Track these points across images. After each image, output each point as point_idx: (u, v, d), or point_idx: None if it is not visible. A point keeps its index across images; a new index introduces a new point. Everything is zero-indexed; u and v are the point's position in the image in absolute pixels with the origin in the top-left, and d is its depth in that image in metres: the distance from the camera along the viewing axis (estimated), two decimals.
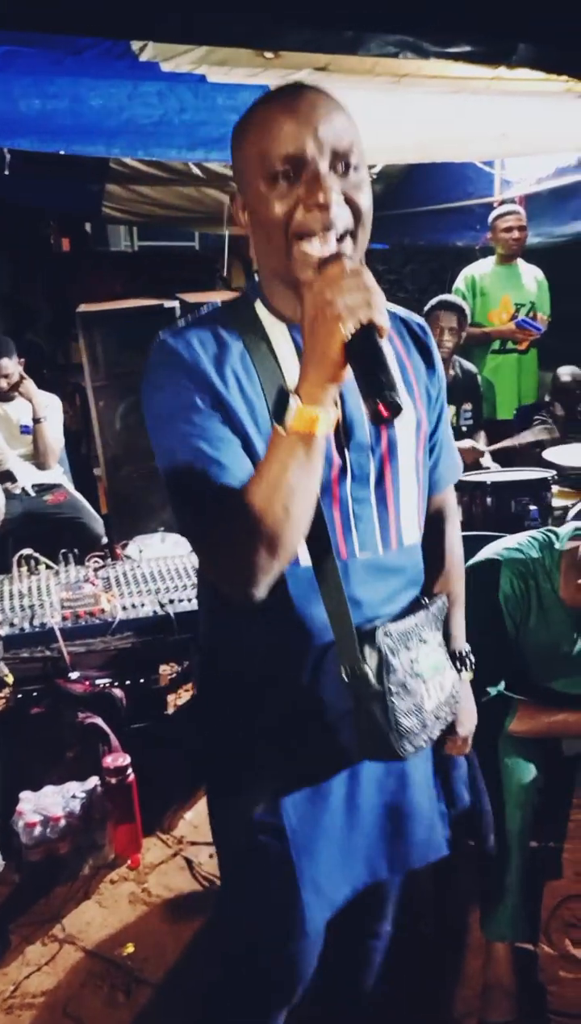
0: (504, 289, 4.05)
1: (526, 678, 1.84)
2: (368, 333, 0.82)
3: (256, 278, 1.09)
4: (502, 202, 4.14)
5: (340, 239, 0.93)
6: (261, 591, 0.92)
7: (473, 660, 1.31)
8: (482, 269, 4.09)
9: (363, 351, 0.83)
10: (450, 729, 1.25)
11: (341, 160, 0.93)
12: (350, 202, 0.94)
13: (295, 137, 0.91)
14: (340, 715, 1.05)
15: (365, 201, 0.96)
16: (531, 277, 4.08)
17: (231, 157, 1.01)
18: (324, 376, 0.84)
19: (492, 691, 1.73)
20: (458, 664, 1.28)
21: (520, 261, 4.06)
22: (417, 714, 1.05)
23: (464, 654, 1.31)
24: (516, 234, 3.96)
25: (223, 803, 1.21)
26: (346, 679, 1.03)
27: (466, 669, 1.30)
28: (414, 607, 1.12)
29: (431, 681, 1.08)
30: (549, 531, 1.89)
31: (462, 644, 1.32)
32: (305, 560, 1.02)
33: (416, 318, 1.20)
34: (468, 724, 1.33)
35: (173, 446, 0.97)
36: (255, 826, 1.12)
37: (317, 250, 0.92)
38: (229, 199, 1.04)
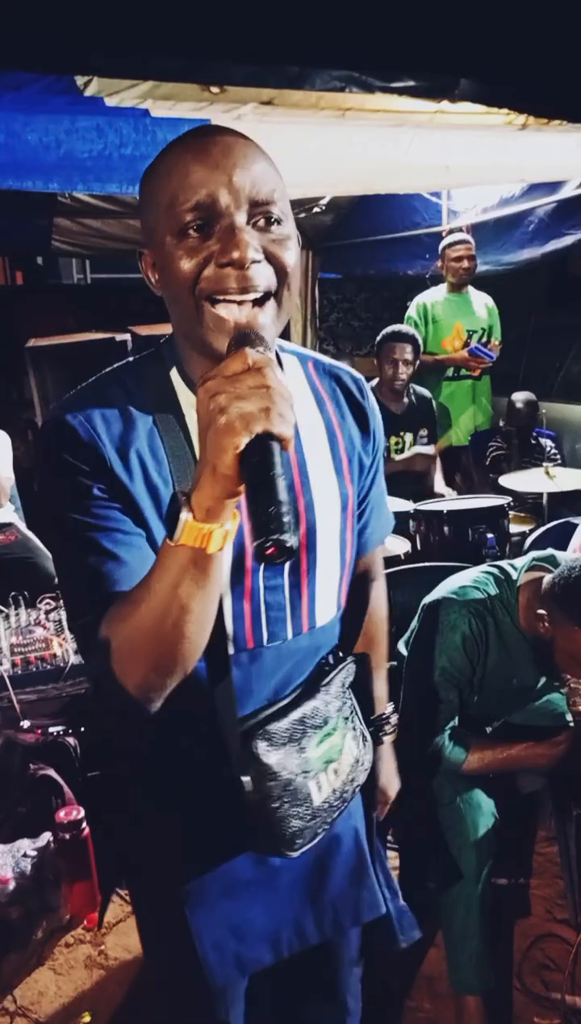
0: (456, 316, 4.10)
1: (483, 715, 1.81)
2: (265, 447, 0.69)
3: (172, 340, 0.97)
4: (451, 231, 4.20)
5: (260, 302, 0.83)
6: (155, 705, 0.85)
7: (394, 724, 1.28)
8: (433, 297, 4.14)
9: (256, 470, 0.69)
10: (370, 797, 1.24)
11: (261, 211, 0.83)
12: (271, 259, 0.83)
13: (206, 183, 0.81)
14: (229, 807, 0.99)
15: (290, 258, 0.85)
16: (481, 304, 4.14)
17: (140, 203, 0.90)
18: (218, 489, 0.71)
19: (443, 737, 1.70)
20: (378, 731, 1.25)
21: (471, 289, 4.13)
22: (305, 813, 1.00)
23: (385, 717, 1.27)
24: (466, 263, 4.02)
25: (134, 860, 1.19)
26: (228, 782, 0.97)
27: (386, 734, 1.27)
28: (310, 688, 1.05)
29: (322, 772, 1.03)
30: (497, 566, 1.87)
31: (383, 707, 1.28)
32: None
33: (353, 374, 1.10)
34: (390, 791, 1.30)
35: (65, 536, 0.88)
36: (157, 888, 1.11)
37: (233, 314, 0.82)
38: (137, 256, 0.92)
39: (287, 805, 0.98)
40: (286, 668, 1.02)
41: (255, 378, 0.70)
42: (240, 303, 0.83)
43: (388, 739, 1.28)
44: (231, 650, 0.96)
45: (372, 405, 1.10)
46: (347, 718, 1.09)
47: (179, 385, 0.94)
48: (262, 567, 0.94)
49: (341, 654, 1.13)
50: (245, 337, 0.77)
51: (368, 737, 1.14)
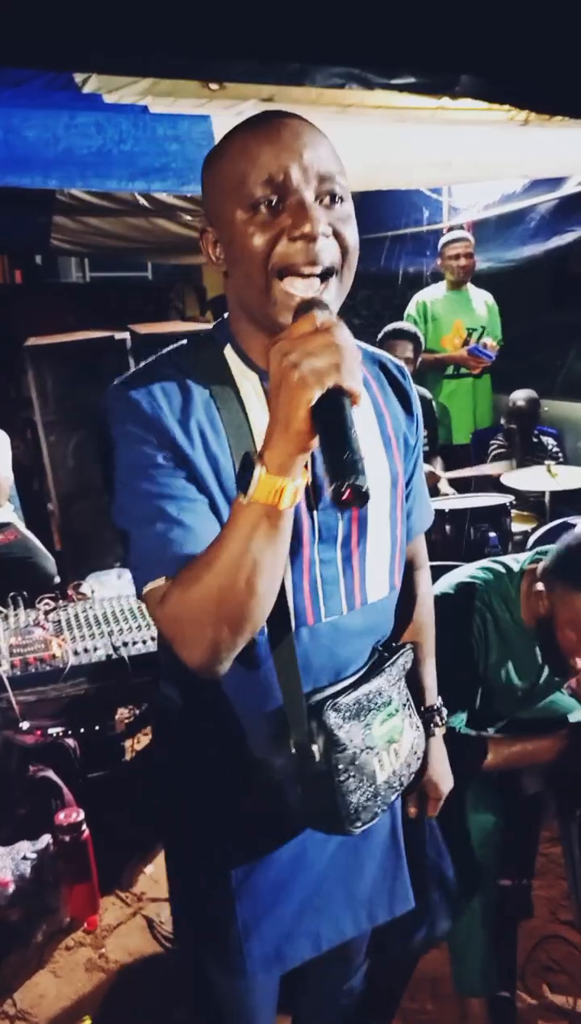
0: (455, 314, 4.08)
1: (485, 715, 1.79)
2: (337, 401, 0.73)
3: (226, 317, 1.00)
4: (451, 228, 4.19)
5: (324, 277, 0.86)
6: (224, 667, 0.87)
7: (445, 715, 1.26)
8: (433, 295, 4.12)
9: (330, 422, 0.73)
10: (421, 792, 1.23)
11: (327, 189, 0.86)
12: (337, 236, 0.87)
13: (279, 161, 0.84)
14: (291, 782, 1.01)
15: (352, 236, 0.88)
16: (481, 302, 4.12)
17: (201, 188, 0.94)
18: (290, 445, 0.75)
19: (455, 722, 1.68)
20: (429, 721, 1.23)
21: (470, 286, 4.10)
22: (367, 789, 1.01)
23: (435, 709, 1.25)
24: (463, 260, 3.99)
25: (178, 851, 1.19)
26: (294, 752, 0.98)
27: (437, 725, 1.25)
28: (375, 667, 1.07)
29: (385, 751, 1.04)
30: (499, 561, 1.85)
31: (433, 698, 1.26)
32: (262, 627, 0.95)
33: (395, 360, 1.14)
34: (443, 786, 1.27)
35: (133, 505, 0.90)
36: (204, 876, 1.11)
37: (301, 290, 0.85)
38: (198, 234, 0.95)
39: (353, 779, 0.99)
40: (345, 646, 1.04)
41: (324, 337, 0.74)
42: (306, 276, 0.85)
43: (439, 731, 1.26)
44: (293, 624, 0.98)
45: (413, 390, 1.12)
46: (405, 704, 1.10)
47: (234, 362, 0.97)
48: (317, 541, 0.98)
49: (395, 642, 1.14)
50: (311, 302, 0.81)
51: (421, 727, 1.15)
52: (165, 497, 0.88)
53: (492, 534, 2.56)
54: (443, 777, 1.27)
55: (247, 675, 0.96)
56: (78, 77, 2.02)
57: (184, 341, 1.00)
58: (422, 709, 1.22)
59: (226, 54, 2.16)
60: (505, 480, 3.11)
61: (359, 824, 1.01)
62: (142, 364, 0.97)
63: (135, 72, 2.08)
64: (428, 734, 1.22)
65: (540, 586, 1.67)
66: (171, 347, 1.00)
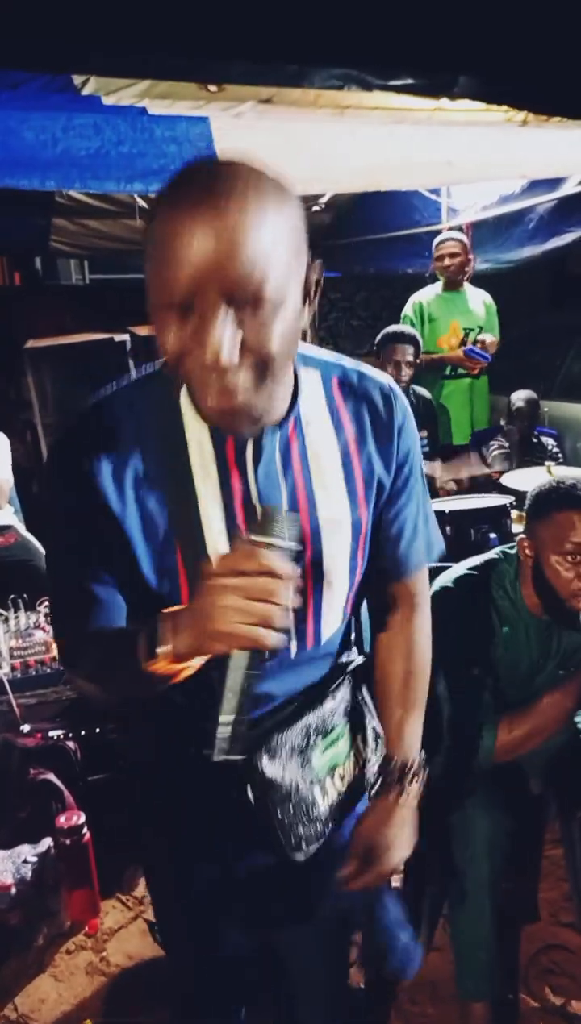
0: (452, 315, 4.07)
1: (495, 704, 1.78)
2: (250, 657, 0.76)
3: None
4: (450, 229, 4.18)
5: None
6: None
7: (421, 776, 1.10)
8: (429, 295, 4.11)
9: (229, 671, 0.76)
10: (363, 858, 1.07)
11: (247, 302, 0.74)
12: (252, 349, 0.76)
13: (185, 269, 0.73)
14: (231, 815, 1.01)
15: (273, 344, 0.77)
16: (479, 302, 4.10)
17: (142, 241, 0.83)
18: (198, 651, 0.79)
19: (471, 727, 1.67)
20: (398, 779, 1.08)
21: (467, 286, 4.09)
22: (310, 819, 1.01)
23: (409, 767, 1.09)
24: (447, 261, 3.96)
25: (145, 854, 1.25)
26: (232, 795, 0.98)
27: (407, 783, 1.08)
28: (321, 692, 1.04)
29: (328, 778, 1.04)
30: (501, 550, 1.85)
31: (412, 754, 1.11)
32: None
33: (383, 388, 1.00)
34: (392, 855, 1.07)
35: (57, 560, 0.95)
36: (164, 874, 1.18)
37: (214, 400, 0.79)
38: (129, 338, 0.89)
39: (291, 814, 0.99)
40: (290, 680, 1.02)
41: (263, 587, 0.72)
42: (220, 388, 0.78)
43: (410, 792, 1.08)
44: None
45: (401, 422, 1.01)
46: (354, 712, 1.09)
47: (186, 408, 0.91)
48: None
49: (348, 653, 1.12)
50: (273, 523, 0.75)
51: (381, 734, 1.12)
52: (85, 563, 0.91)
53: (493, 535, 2.56)
54: (395, 845, 1.07)
55: (182, 707, 0.95)
56: (77, 79, 2.02)
57: (145, 372, 0.95)
58: (393, 762, 1.09)
59: (224, 55, 2.16)
60: (505, 481, 3.11)
61: (303, 851, 1.02)
62: (101, 398, 0.93)
63: (133, 74, 2.08)
64: (390, 792, 1.08)
65: (526, 543, 1.70)
66: (133, 379, 0.95)
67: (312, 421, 0.95)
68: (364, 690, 1.12)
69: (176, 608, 0.82)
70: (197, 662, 0.81)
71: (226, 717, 0.76)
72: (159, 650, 0.79)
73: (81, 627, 0.91)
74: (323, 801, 1.02)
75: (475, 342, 3.97)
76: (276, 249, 0.75)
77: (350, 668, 1.09)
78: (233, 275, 0.73)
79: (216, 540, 0.90)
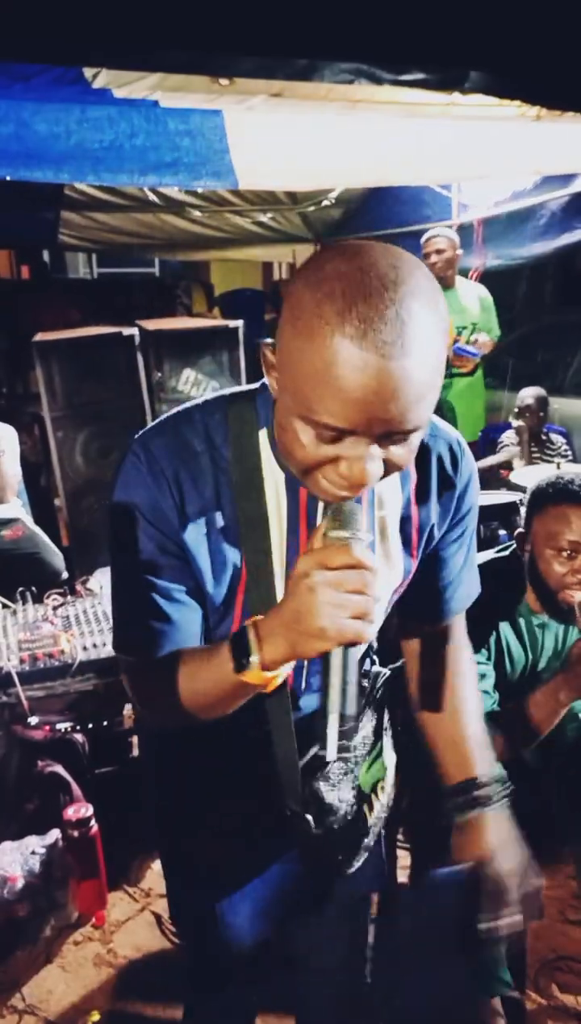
0: None
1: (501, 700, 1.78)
2: (345, 654, 0.75)
3: (268, 394, 0.89)
4: (460, 226, 4.16)
5: None
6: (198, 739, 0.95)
7: (500, 789, 1.08)
8: None
9: (330, 671, 0.75)
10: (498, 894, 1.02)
11: (400, 438, 0.74)
12: (390, 464, 0.76)
13: (356, 415, 0.70)
14: (280, 840, 1.06)
15: (410, 458, 0.78)
16: (473, 298, 4.04)
17: (283, 320, 0.76)
18: (289, 655, 0.77)
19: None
20: (473, 803, 1.06)
21: (463, 282, 4.04)
22: (359, 835, 1.04)
23: (477, 784, 1.07)
24: (433, 258, 3.91)
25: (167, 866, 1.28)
26: (288, 814, 1.01)
27: (485, 804, 1.06)
28: (359, 714, 1.07)
29: (373, 794, 1.06)
30: (498, 549, 1.85)
31: (480, 768, 1.09)
32: None
33: (451, 443, 1.00)
34: (529, 881, 1.04)
35: (125, 583, 0.93)
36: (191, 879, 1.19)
37: (335, 493, 0.77)
38: (259, 346, 0.83)
39: (344, 831, 1.02)
40: None
41: (355, 580, 0.71)
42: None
43: (495, 807, 1.06)
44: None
45: (467, 480, 1.01)
46: (386, 731, 1.12)
47: (265, 450, 0.90)
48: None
49: (374, 666, 1.14)
50: (345, 517, 0.75)
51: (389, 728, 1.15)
52: (156, 588, 0.89)
53: (502, 532, 2.55)
54: (515, 864, 1.03)
55: (239, 736, 0.96)
56: (88, 72, 2.02)
57: (229, 393, 0.93)
58: (464, 784, 1.08)
59: (234, 49, 2.15)
60: (514, 478, 3.10)
61: (351, 866, 1.05)
62: (170, 418, 0.91)
63: (145, 67, 2.08)
64: (471, 811, 1.06)
65: (522, 532, 1.71)
66: (215, 399, 0.92)
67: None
68: (384, 691, 1.14)
69: (259, 617, 0.80)
70: (287, 669, 0.80)
71: (333, 716, 0.74)
72: (252, 659, 0.78)
73: (156, 649, 0.89)
74: (370, 815, 1.06)
75: (468, 341, 3.93)
76: (439, 369, 0.73)
77: (380, 681, 1.12)
78: (403, 418, 0.71)
79: (278, 584, 0.91)
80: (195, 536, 0.88)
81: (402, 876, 1.95)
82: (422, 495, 0.98)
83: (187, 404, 0.93)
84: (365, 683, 1.10)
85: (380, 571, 0.95)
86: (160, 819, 1.21)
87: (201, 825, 1.12)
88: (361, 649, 0.76)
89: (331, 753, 0.74)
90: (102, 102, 1.96)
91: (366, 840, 1.06)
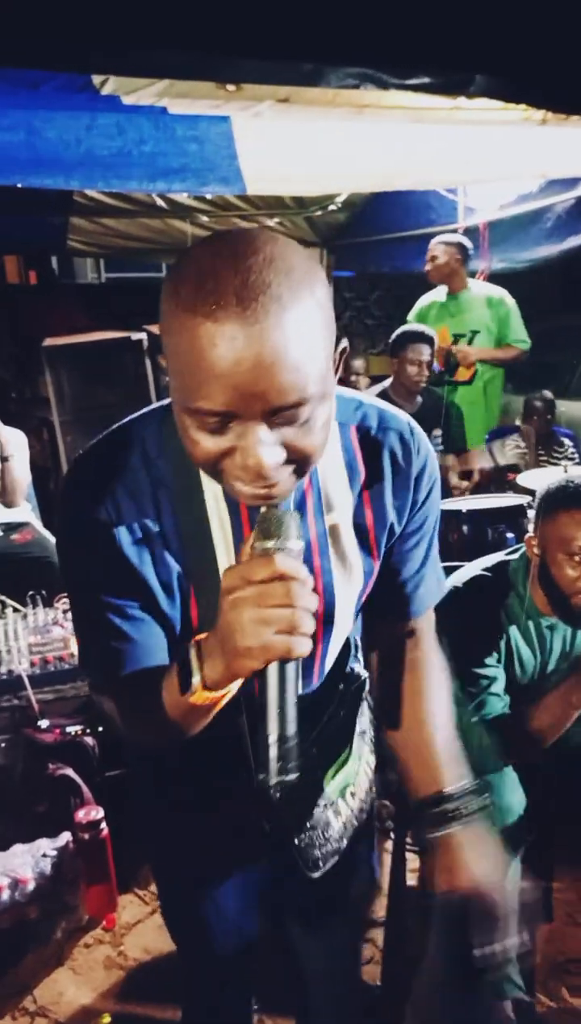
0: (443, 320, 3.99)
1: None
2: (280, 671, 0.71)
3: None
4: (466, 229, 4.16)
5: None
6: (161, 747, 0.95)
7: (473, 805, 1.01)
8: (431, 299, 4.07)
9: (264, 691, 0.72)
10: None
11: (289, 415, 0.70)
12: (293, 450, 0.73)
13: (222, 381, 0.67)
14: (248, 837, 1.06)
15: (315, 441, 0.74)
16: (481, 304, 3.97)
17: (160, 316, 0.74)
18: (230, 678, 0.75)
19: (478, 736, 1.67)
20: (441, 820, 1.01)
21: (475, 287, 4.00)
22: (326, 840, 1.03)
23: (448, 798, 1.02)
24: (428, 265, 3.90)
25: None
26: (248, 822, 1.03)
27: (456, 819, 1.00)
28: (330, 718, 1.06)
29: (341, 799, 1.05)
30: (507, 552, 1.85)
31: (450, 781, 1.04)
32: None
33: (403, 434, 0.96)
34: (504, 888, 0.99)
35: (80, 608, 0.94)
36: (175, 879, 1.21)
37: (249, 492, 0.74)
38: (146, 336, 0.83)
39: (308, 839, 1.01)
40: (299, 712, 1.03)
41: (280, 592, 0.68)
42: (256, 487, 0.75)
43: (464, 823, 1.00)
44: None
45: (420, 467, 0.97)
46: (363, 732, 1.10)
47: None
48: None
49: (355, 667, 1.12)
50: (269, 527, 0.72)
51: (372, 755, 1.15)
52: (110, 607, 0.88)
53: (510, 534, 2.55)
54: (491, 876, 0.98)
55: (200, 747, 0.94)
56: (96, 79, 2.04)
57: (156, 408, 0.91)
58: (432, 797, 1.02)
59: (241, 55, 2.17)
60: (521, 480, 3.10)
61: (319, 870, 1.03)
62: (106, 436, 0.90)
63: (152, 73, 2.09)
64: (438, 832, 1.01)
65: (533, 542, 1.70)
66: (142, 414, 0.91)
67: (327, 475, 0.93)
68: (365, 705, 1.12)
69: (202, 636, 0.79)
70: (233, 687, 0.79)
71: (272, 736, 0.72)
72: (193, 680, 0.77)
73: (117, 667, 0.88)
74: (337, 821, 1.04)
75: (448, 353, 3.88)
76: (316, 343, 0.70)
77: (352, 687, 1.10)
78: (276, 387, 0.68)
79: None
80: (137, 552, 0.88)
81: (411, 879, 1.94)
82: (375, 492, 0.95)
83: (125, 419, 0.92)
84: (341, 686, 1.07)
85: (337, 577, 0.95)
86: (140, 823, 1.24)
87: (175, 831, 1.14)
88: (294, 667, 0.71)
89: (271, 777, 0.71)
90: (111, 109, 1.97)
91: (332, 845, 1.04)
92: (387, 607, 1.07)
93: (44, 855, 2.04)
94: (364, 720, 1.11)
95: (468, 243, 3.96)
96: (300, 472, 0.76)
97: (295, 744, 0.72)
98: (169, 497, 0.88)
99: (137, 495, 0.87)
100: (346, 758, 1.06)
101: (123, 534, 0.86)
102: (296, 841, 1.00)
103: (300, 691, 0.92)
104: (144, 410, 0.92)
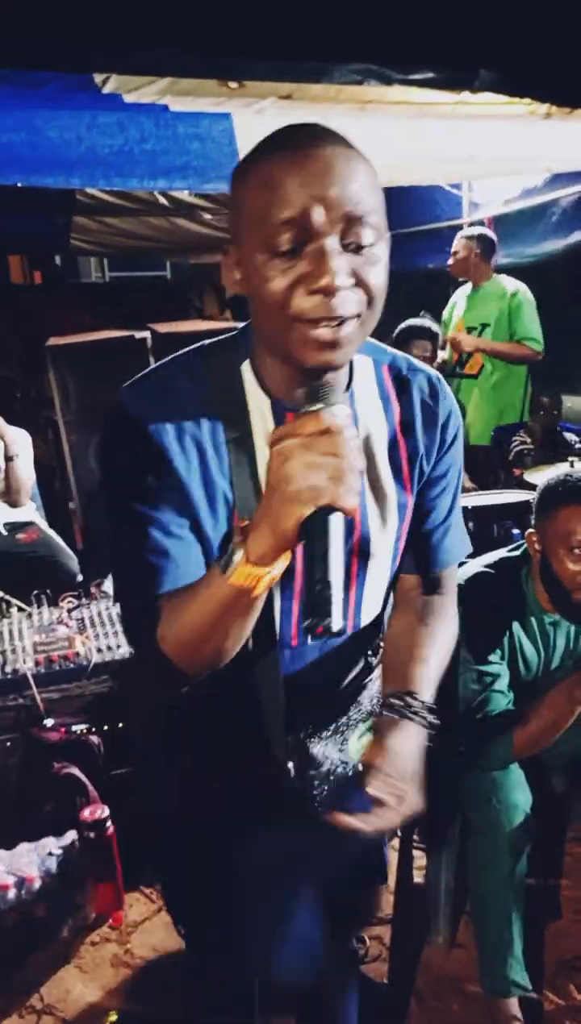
0: (461, 313, 4.05)
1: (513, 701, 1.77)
2: (325, 520, 0.72)
3: (249, 325, 0.94)
4: (472, 224, 4.15)
5: (343, 321, 0.80)
6: (184, 690, 0.91)
7: (425, 714, 0.99)
8: (460, 294, 4.12)
9: (314, 539, 0.73)
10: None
11: (355, 232, 0.77)
12: (361, 283, 0.79)
13: (302, 200, 0.75)
14: (269, 794, 1.03)
15: (378, 282, 0.81)
16: (497, 297, 3.96)
17: (229, 204, 0.87)
18: (275, 542, 0.75)
19: (485, 732, 1.66)
20: (395, 707, 0.99)
21: (498, 279, 3.97)
22: (342, 802, 1.01)
23: (405, 696, 0.99)
24: (449, 260, 3.96)
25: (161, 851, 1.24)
26: (271, 768, 1.01)
27: (405, 713, 0.98)
28: (359, 682, 1.08)
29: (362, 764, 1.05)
30: (509, 548, 1.84)
31: (415, 686, 1.01)
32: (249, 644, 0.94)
33: (431, 377, 1.03)
34: (408, 802, 0.91)
35: (122, 523, 0.91)
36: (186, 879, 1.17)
37: (325, 335, 0.79)
38: (222, 253, 0.89)
39: (327, 792, 1.02)
40: (331, 663, 1.04)
41: (327, 443, 0.71)
42: (329, 326, 0.79)
43: (414, 722, 0.97)
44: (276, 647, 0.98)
45: (445, 409, 1.02)
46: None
47: (249, 380, 0.93)
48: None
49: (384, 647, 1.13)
50: (318, 391, 0.77)
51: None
52: (152, 522, 0.88)
53: (516, 531, 2.55)
54: (407, 780, 0.92)
55: (229, 688, 0.95)
56: (97, 77, 2.03)
57: (206, 342, 0.96)
58: (394, 692, 1.01)
59: (244, 52, 2.16)
60: (528, 477, 3.09)
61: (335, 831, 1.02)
62: (157, 365, 0.95)
63: (154, 71, 2.09)
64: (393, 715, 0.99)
65: (534, 537, 1.70)
66: (191, 348, 0.96)
67: (364, 401, 0.97)
68: None
69: (246, 521, 0.80)
70: (279, 566, 0.77)
71: (334, 577, 0.73)
72: (235, 556, 0.76)
73: (154, 585, 0.87)
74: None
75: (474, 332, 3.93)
76: (375, 186, 0.80)
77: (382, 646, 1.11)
78: (347, 194, 0.76)
79: None
80: (186, 465, 0.88)
81: (418, 876, 1.94)
82: (406, 426, 1.00)
83: (158, 363, 0.95)
84: (373, 641, 1.09)
85: (370, 509, 0.96)
86: (151, 791, 1.20)
87: (194, 786, 1.09)
88: (341, 521, 0.72)
89: (334, 622, 0.72)
90: (112, 107, 1.97)
91: (350, 810, 1.05)
92: (416, 558, 1.08)
93: (50, 853, 2.05)
94: None
95: (492, 235, 3.96)
96: (364, 328, 0.82)
97: (340, 591, 0.73)
98: (216, 415, 0.90)
99: (184, 412, 0.89)
100: (371, 726, 1.06)
101: (173, 445, 0.88)
102: (315, 791, 1.01)
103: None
104: (175, 355, 0.96)
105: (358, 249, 0.78)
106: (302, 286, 0.77)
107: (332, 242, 0.76)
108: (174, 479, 0.88)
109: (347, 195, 0.76)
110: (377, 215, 0.79)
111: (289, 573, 0.93)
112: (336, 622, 0.72)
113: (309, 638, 0.95)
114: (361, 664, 1.09)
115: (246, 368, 0.93)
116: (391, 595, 1.10)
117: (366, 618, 1.04)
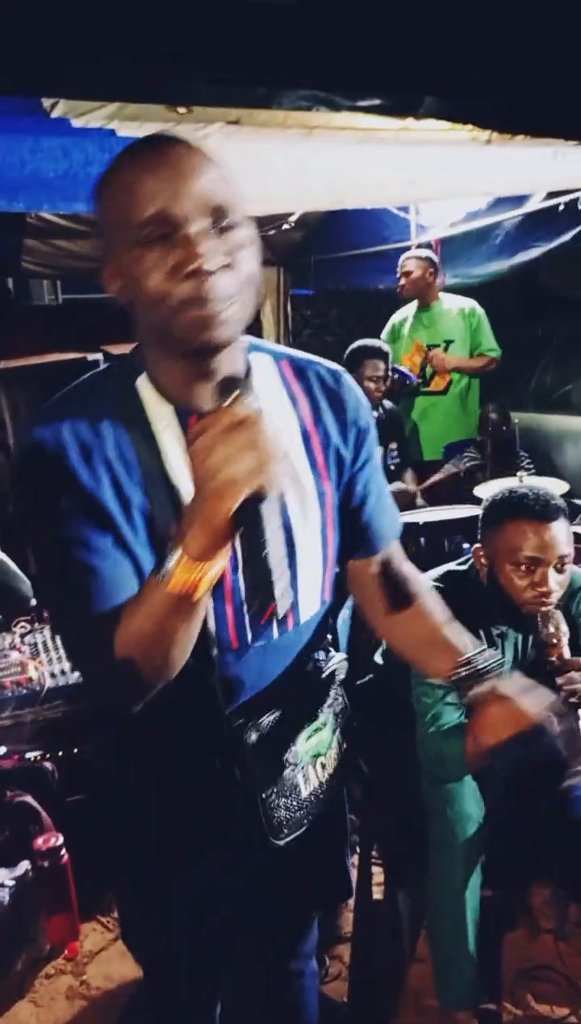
0: (416, 332, 4.11)
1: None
2: (255, 508, 0.76)
3: (137, 345, 0.98)
4: (419, 246, 4.24)
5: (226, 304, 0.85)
6: (136, 709, 0.90)
7: (490, 662, 1.06)
8: (404, 314, 4.18)
9: (249, 527, 0.77)
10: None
11: (219, 217, 0.83)
12: (232, 265, 0.84)
13: (160, 194, 0.81)
14: (216, 799, 1.03)
15: (249, 264, 0.86)
16: (454, 315, 4.08)
17: (96, 220, 0.92)
18: (212, 537, 0.77)
19: (436, 737, 1.67)
20: (471, 678, 1.05)
21: (446, 299, 4.09)
22: (292, 804, 1.04)
23: (467, 659, 1.07)
24: (402, 280, 4.03)
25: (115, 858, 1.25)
26: (217, 772, 1.01)
27: (480, 676, 1.04)
28: (306, 682, 1.09)
29: (310, 766, 1.07)
30: (459, 562, 1.87)
31: (465, 650, 1.10)
32: None
33: (330, 367, 1.08)
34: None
35: (44, 556, 0.92)
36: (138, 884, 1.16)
37: (206, 313, 0.83)
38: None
39: (274, 795, 1.02)
40: (275, 664, 1.04)
41: (244, 434, 0.73)
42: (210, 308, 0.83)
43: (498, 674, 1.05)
44: (215, 651, 0.97)
45: (351, 396, 1.06)
46: (338, 714, 1.12)
47: (146, 391, 0.94)
48: (241, 568, 0.95)
49: (332, 650, 1.15)
50: (228, 385, 0.81)
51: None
52: (74, 543, 0.88)
53: (466, 545, 2.58)
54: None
55: (173, 695, 0.94)
56: (46, 102, 2.04)
57: (97, 370, 0.99)
58: (459, 666, 1.06)
59: (193, 78, 2.19)
60: (478, 492, 3.14)
61: (283, 836, 1.03)
62: (68, 388, 0.96)
63: (102, 96, 2.10)
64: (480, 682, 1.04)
65: (481, 552, 1.73)
66: (83, 378, 0.98)
67: (269, 395, 0.99)
68: (340, 689, 1.15)
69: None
70: (217, 566, 0.79)
71: (276, 560, 0.83)
72: (172, 560, 0.77)
73: (92, 606, 0.87)
74: (305, 788, 1.06)
75: (423, 363, 3.98)
76: (229, 179, 0.86)
77: (333, 662, 1.12)
78: (209, 192, 0.82)
79: None
80: (96, 487, 0.89)
81: (377, 893, 1.94)
82: (315, 414, 1.03)
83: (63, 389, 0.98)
84: (316, 634, 1.10)
85: (291, 499, 0.98)
86: (104, 798, 1.20)
87: (145, 791, 1.08)
88: (272, 512, 0.79)
89: (281, 605, 0.81)
90: (56, 132, 1.98)
91: (305, 811, 1.05)
92: (358, 542, 1.12)
93: (2, 885, 2.00)
94: (339, 701, 1.14)
95: (436, 258, 4.07)
96: (244, 309, 0.86)
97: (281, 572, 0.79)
98: (120, 427, 0.91)
99: (87, 430, 0.90)
100: (319, 727, 1.08)
101: (80, 465, 0.88)
102: (263, 795, 1.01)
103: (276, 636, 1.00)
104: (86, 375, 0.98)
105: (222, 233, 0.83)
106: (176, 274, 0.82)
107: (196, 228, 0.82)
108: (87, 498, 0.89)
109: (203, 186, 0.82)
110: (236, 204, 0.85)
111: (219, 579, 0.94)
112: (282, 605, 0.76)
113: (250, 636, 0.99)
114: (309, 666, 1.09)
115: (143, 381, 0.95)
116: (333, 610, 1.12)
117: (305, 613, 1.05)
